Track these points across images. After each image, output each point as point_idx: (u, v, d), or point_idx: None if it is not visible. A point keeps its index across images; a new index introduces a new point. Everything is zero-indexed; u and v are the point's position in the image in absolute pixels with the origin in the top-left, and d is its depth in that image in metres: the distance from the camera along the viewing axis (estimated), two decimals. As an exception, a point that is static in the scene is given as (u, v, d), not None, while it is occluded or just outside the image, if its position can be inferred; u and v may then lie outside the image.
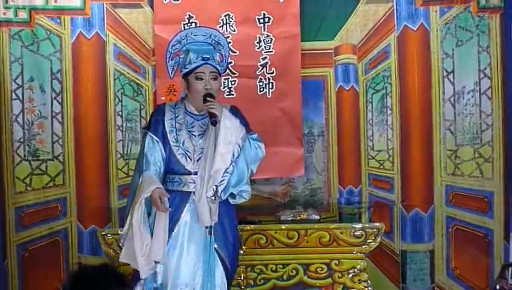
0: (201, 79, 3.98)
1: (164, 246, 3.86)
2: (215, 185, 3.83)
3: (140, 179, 3.93)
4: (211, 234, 3.94)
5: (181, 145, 4.01)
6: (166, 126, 4.04)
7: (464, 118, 5.73)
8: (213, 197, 3.84)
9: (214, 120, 3.82)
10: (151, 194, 3.79)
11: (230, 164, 3.85)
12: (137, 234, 3.81)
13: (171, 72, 4.20)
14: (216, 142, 3.83)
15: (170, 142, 4.01)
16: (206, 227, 3.93)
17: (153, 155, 4.00)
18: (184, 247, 3.99)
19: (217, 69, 4.03)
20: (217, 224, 3.96)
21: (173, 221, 3.96)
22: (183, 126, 4.05)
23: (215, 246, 3.97)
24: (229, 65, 5.48)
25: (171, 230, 3.94)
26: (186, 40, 4.12)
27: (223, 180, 3.84)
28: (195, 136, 4.03)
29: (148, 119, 4.73)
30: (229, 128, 3.86)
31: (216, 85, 4.02)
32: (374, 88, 5.95)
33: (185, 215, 3.99)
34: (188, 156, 3.99)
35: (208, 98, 3.91)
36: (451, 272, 5.81)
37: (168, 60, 4.17)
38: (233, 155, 3.86)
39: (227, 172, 3.85)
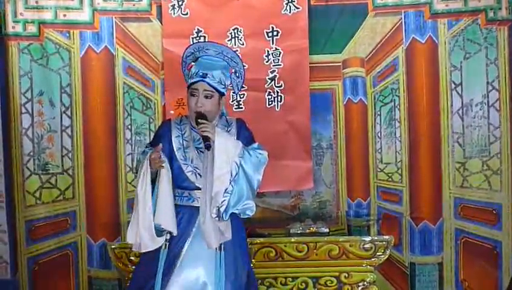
0: (194, 96, 3.92)
1: (171, 211, 3.85)
2: (217, 206, 3.76)
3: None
4: (220, 250, 3.91)
5: (190, 163, 3.96)
6: (173, 143, 4.01)
7: (472, 131, 5.73)
8: (217, 218, 3.77)
9: (207, 144, 3.73)
10: (149, 158, 3.77)
11: (230, 184, 3.77)
12: (141, 205, 3.76)
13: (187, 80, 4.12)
14: (213, 164, 3.77)
15: (179, 159, 3.96)
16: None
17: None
18: (194, 263, 3.93)
19: (213, 87, 3.91)
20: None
21: (183, 238, 3.93)
22: (191, 143, 4.01)
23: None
24: (238, 79, 5.57)
25: (181, 247, 3.92)
26: (199, 53, 4.05)
27: (224, 200, 3.76)
28: (203, 152, 3.92)
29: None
30: (224, 147, 3.78)
31: (209, 104, 3.91)
32: (382, 101, 5.96)
33: (195, 231, 3.94)
34: (198, 173, 3.94)
35: (199, 120, 3.83)
36: (460, 284, 5.80)
37: (184, 69, 4.14)
38: (231, 174, 3.78)
39: (227, 192, 3.76)
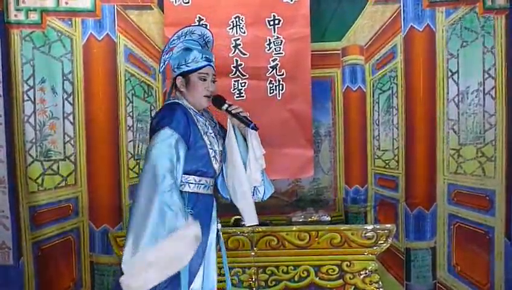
0: (204, 80, 3.90)
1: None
2: (255, 186, 3.92)
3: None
4: (219, 237, 3.96)
5: (213, 147, 3.90)
6: (200, 128, 3.84)
7: (467, 118, 5.80)
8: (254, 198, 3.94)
9: (254, 124, 3.79)
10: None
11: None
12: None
13: (162, 66, 3.97)
14: (253, 146, 3.85)
15: (207, 144, 3.84)
16: (218, 230, 3.93)
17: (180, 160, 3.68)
18: (210, 253, 3.90)
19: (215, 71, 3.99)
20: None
21: (204, 228, 3.72)
22: (207, 128, 3.93)
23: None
24: (239, 67, 5.59)
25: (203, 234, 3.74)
26: (185, 37, 3.96)
27: (263, 180, 3.93)
28: (213, 137, 3.92)
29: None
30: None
31: (214, 87, 3.95)
32: (380, 88, 6.01)
33: (212, 220, 3.90)
34: (216, 158, 3.90)
35: (226, 102, 3.87)
36: (453, 269, 5.91)
37: (163, 54, 3.93)
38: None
39: (263, 173, 3.94)
